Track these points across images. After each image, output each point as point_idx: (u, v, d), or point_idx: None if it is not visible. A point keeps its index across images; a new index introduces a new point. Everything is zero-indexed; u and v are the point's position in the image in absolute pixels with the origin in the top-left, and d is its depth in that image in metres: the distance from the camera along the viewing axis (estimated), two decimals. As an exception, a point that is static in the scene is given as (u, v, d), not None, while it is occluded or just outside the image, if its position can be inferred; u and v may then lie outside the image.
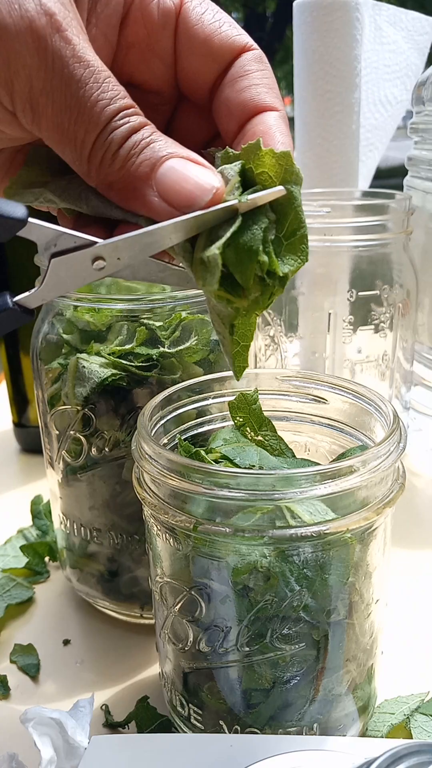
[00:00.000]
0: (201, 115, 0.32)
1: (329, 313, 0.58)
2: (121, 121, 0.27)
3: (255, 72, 0.29)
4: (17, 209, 0.26)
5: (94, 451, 0.43)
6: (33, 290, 0.27)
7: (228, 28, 0.29)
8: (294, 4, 0.76)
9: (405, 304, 0.59)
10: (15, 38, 0.25)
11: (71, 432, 0.44)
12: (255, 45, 0.30)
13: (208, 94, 0.31)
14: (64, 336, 0.45)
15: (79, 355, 0.43)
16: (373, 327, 0.59)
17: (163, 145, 0.27)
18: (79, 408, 0.43)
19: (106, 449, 0.43)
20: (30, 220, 0.26)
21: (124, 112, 0.27)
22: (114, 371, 0.42)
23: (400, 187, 0.71)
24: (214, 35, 0.29)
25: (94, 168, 0.28)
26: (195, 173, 0.27)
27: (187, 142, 0.29)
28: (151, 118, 0.29)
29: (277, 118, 0.29)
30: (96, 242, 0.27)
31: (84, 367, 0.42)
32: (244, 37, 0.29)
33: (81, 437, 0.44)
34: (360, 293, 0.57)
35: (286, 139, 0.29)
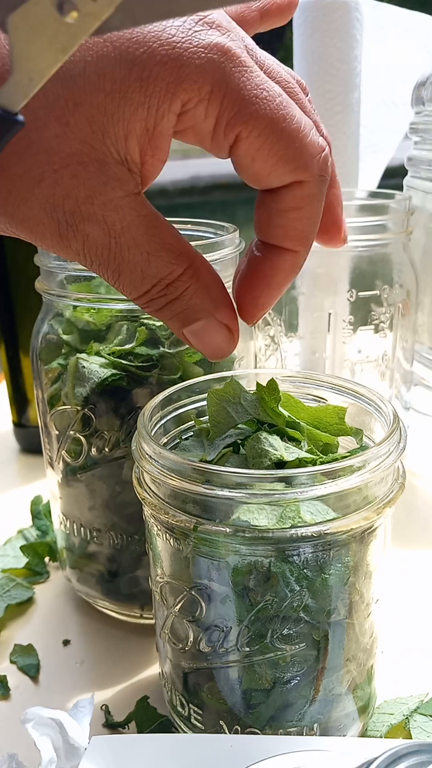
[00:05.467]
0: None
1: (329, 313, 0.58)
2: (172, 285, 0.30)
3: (297, 212, 0.30)
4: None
5: (94, 451, 0.43)
6: (5, 83, 0.21)
7: (286, 159, 0.28)
8: (294, 4, 0.76)
9: (405, 304, 0.59)
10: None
11: (71, 432, 0.44)
12: (311, 177, 0.29)
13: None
14: (64, 336, 0.45)
15: (78, 355, 0.43)
16: (373, 327, 0.59)
17: (197, 306, 0.31)
18: (78, 408, 0.43)
19: (106, 449, 0.43)
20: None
21: (173, 280, 0.30)
22: (114, 371, 0.41)
23: (400, 187, 0.71)
24: (277, 165, 0.28)
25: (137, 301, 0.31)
26: (214, 341, 0.32)
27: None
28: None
29: (290, 263, 0.32)
30: None
31: (84, 367, 0.42)
32: (301, 172, 0.29)
33: (81, 437, 0.43)
34: (360, 293, 0.57)
35: (277, 291, 0.33)
